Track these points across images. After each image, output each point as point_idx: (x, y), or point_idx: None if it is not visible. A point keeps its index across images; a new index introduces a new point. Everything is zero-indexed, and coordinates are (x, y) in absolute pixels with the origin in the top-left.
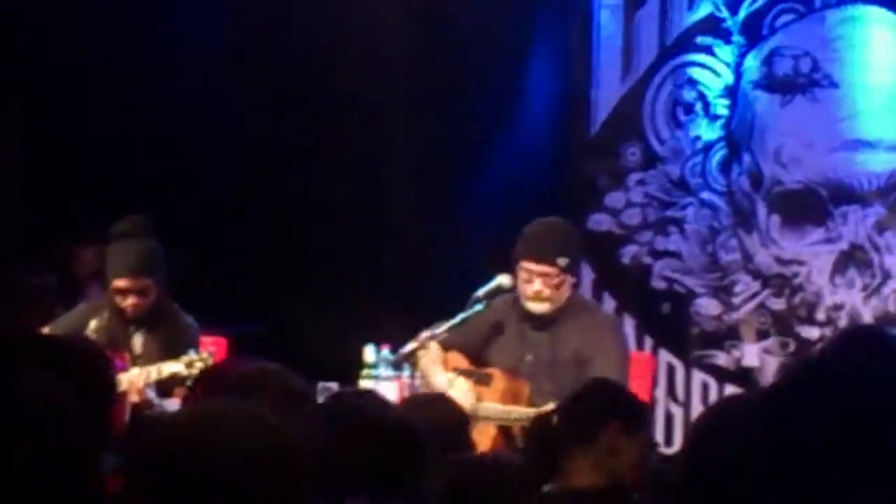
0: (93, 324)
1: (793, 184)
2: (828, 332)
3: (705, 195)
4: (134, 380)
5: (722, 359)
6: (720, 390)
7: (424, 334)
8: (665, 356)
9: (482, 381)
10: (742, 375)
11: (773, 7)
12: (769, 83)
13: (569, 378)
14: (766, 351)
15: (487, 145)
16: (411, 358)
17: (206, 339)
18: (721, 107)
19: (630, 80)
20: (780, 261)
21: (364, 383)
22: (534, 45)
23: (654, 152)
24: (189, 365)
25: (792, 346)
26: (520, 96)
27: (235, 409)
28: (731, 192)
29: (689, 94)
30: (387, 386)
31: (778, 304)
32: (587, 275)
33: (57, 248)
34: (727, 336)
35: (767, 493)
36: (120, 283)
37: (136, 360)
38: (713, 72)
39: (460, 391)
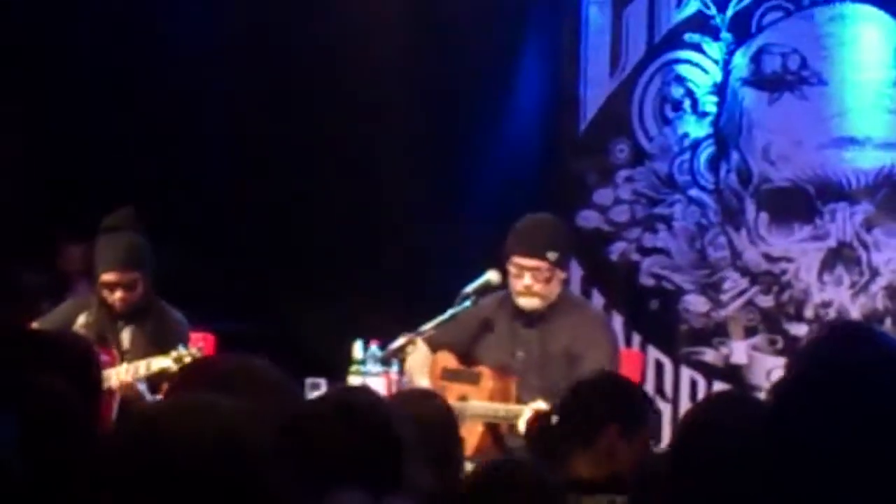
0: (81, 319)
1: (781, 181)
2: (816, 329)
3: (693, 192)
4: (122, 375)
5: (710, 356)
6: (708, 387)
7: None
8: (653, 353)
9: (471, 379)
10: (730, 372)
11: (762, 4)
12: (757, 80)
13: (559, 374)
14: (755, 348)
15: (476, 142)
16: (399, 354)
17: (195, 335)
18: (709, 104)
19: (618, 77)
20: (769, 258)
21: (352, 379)
22: (524, 42)
23: (642, 149)
24: (178, 360)
25: (780, 344)
26: (510, 93)
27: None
28: (720, 189)
29: (677, 91)
30: (374, 382)
31: (766, 302)
32: (576, 271)
33: (49, 246)
34: (715, 333)
35: (762, 489)
36: (108, 276)
37: (125, 356)
38: (701, 69)
39: None
